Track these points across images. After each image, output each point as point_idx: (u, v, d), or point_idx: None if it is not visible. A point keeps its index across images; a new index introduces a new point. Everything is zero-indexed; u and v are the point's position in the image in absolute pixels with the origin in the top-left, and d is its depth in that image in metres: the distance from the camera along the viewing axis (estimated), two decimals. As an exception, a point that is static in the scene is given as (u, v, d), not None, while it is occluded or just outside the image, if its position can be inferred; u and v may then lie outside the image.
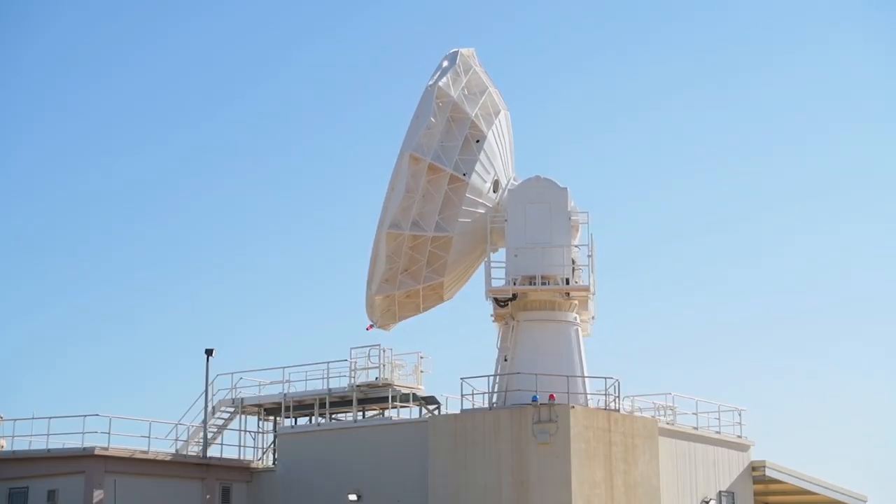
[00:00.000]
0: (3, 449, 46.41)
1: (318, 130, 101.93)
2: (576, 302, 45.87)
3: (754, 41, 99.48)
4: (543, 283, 44.83)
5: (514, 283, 44.90)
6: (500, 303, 45.35)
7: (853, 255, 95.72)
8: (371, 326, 47.13)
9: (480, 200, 45.98)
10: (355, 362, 48.63)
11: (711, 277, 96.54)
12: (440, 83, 45.07)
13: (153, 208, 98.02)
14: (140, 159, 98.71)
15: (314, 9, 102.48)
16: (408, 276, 46.07)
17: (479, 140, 45.83)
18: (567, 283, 45.18)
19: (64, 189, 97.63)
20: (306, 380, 49.71)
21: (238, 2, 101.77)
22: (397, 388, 48.07)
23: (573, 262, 45.46)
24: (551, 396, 42.62)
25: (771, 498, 54.27)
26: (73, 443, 45.53)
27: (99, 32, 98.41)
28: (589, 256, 45.23)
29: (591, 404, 44.34)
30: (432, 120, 44.69)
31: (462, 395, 44.14)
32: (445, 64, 46.03)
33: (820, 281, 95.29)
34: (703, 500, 48.31)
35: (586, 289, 45.29)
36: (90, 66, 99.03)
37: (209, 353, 48.68)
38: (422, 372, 49.40)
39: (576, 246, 45.58)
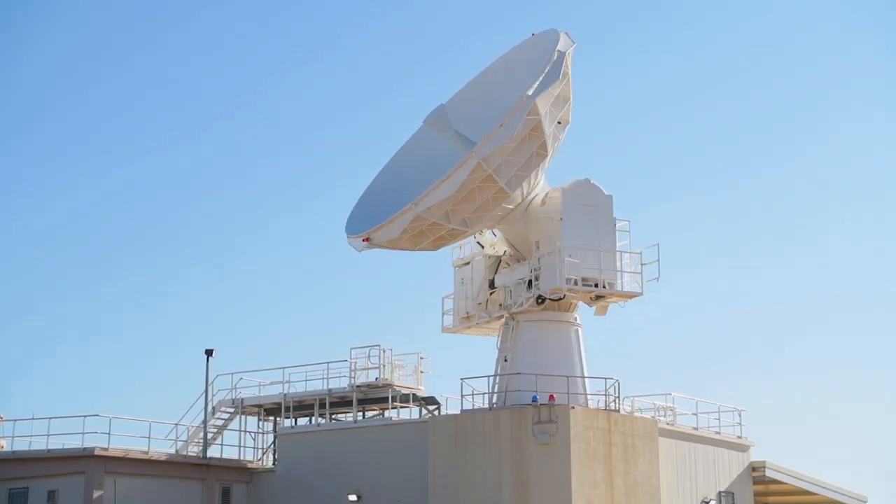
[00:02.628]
0: (3, 449, 46.43)
1: (319, 130, 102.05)
2: (577, 304, 45.94)
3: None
4: (604, 286, 44.89)
5: (575, 283, 44.40)
6: (541, 300, 45.02)
7: (854, 255, 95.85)
8: (367, 238, 44.35)
9: (537, 179, 45.52)
10: (355, 362, 48.69)
11: (711, 277, 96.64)
12: (560, 47, 43.57)
13: (153, 208, 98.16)
14: (141, 158, 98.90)
15: (315, 8, 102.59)
16: (447, 214, 44.24)
17: (562, 122, 45.10)
18: (610, 286, 45.18)
19: (64, 189, 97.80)
20: (306, 380, 49.79)
21: (237, 4, 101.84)
22: (397, 389, 48.09)
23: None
24: (551, 397, 42.64)
25: (771, 498, 54.27)
26: (73, 443, 45.58)
27: (95, 32, 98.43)
28: (643, 265, 45.35)
29: (591, 405, 44.35)
30: (557, 80, 43.34)
31: (462, 396, 44.21)
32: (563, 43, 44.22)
33: (820, 281, 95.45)
34: (702, 501, 48.32)
35: (634, 295, 45.39)
36: (88, 65, 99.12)
37: (209, 353, 48.73)
38: (422, 372, 49.45)
39: (631, 253, 45.61)
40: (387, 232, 44.40)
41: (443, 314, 49.02)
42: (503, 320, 46.20)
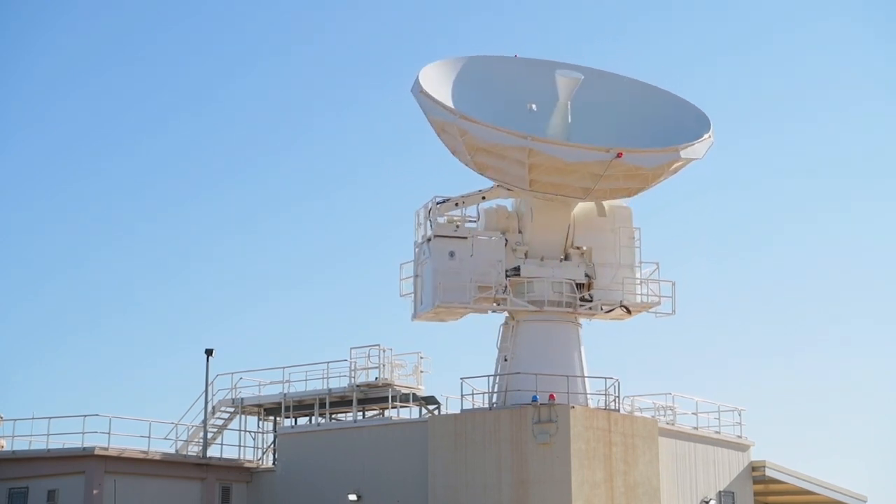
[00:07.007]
0: (3, 449, 46.45)
1: (317, 126, 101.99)
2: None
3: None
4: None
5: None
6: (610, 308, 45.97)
7: (854, 256, 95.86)
8: (620, 154, 43.42)
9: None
10: (355, 362, 48.72)
11: (710, 277, 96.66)
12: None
13: (153, 207, 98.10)
14: (141, 156, 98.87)
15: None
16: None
17: None
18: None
19: (63, 188, 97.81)
20: (306, 380, 49.81)
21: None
22: (397, 388, 48.11)
23: None
24: (551, 396, 42.67)
25: (771, 498, 54.28)
26: (73, 443, 45.59)
27: (87, 33, 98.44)
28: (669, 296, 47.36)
29: (591, 404, 44.39)
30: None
31: (462, 395, 44.27)
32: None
33: (820, 281, 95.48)
34: (702, 501, 48.33)
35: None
36: (84, 64, 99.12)
37: (209, 353, 48.76)
38: (422, 372, 49.46)
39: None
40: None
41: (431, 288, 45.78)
42: (504, 319, 46.29)
